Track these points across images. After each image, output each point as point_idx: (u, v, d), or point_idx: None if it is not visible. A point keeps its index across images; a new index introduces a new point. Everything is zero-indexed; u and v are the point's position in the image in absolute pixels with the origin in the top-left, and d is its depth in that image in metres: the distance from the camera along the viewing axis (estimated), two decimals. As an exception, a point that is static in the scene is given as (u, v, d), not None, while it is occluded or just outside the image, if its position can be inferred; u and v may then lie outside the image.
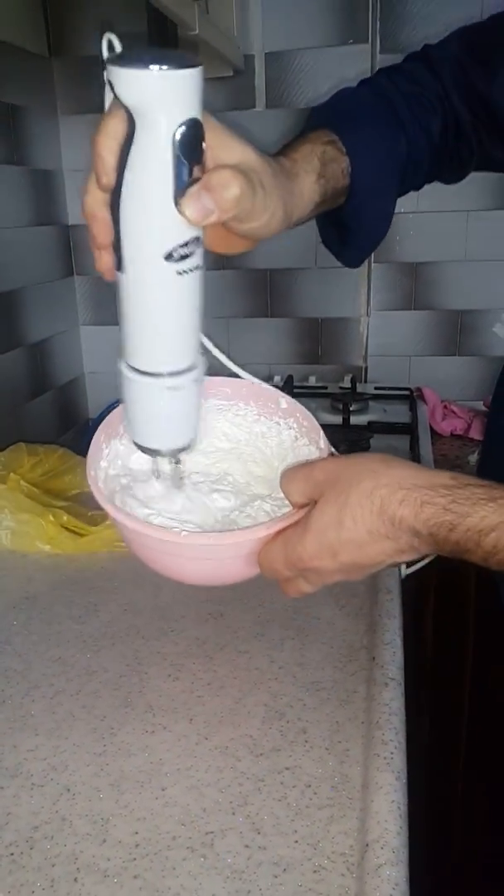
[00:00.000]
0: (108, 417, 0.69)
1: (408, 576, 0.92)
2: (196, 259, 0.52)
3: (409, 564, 0.58)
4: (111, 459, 0.69)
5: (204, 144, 0.49)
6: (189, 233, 0.50)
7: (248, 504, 0.68)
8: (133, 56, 0.45)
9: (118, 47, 0.47)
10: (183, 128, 0.47)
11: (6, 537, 1.03)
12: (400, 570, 0.67)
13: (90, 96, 1.64)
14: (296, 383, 1.75)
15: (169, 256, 0.50)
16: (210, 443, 0.74)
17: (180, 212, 0.49)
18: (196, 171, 0.49)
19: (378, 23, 1.58)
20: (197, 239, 0.51)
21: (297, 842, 0.56)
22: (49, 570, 0.99)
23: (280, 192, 0.58)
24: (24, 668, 0.78)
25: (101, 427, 0.68)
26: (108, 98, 0.48)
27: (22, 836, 0.58)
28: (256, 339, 1.82)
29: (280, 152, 0.65)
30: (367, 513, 0.54)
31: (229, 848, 0.56)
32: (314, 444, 0.68)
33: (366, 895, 0.51)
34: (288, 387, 1.70)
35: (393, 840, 0.55)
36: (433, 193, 1.67)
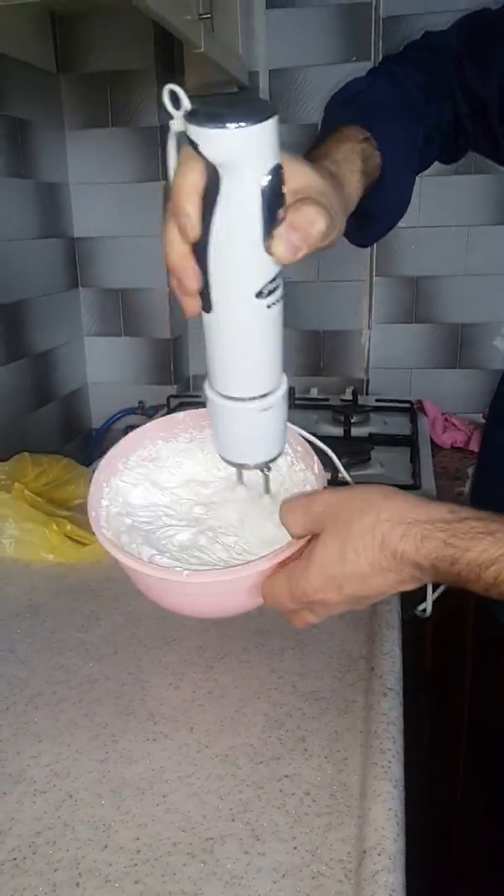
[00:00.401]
0: (105, 457, 0.71)
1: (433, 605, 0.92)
2: (281, 289, 0.54)
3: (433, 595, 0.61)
4: (112, 497, 0.71)
5: (284, 188, 0.50)
6: (276, 269, 0.52)
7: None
8: (211, 112, 0.46)
9: (185, 101, 0.47)
10: (269, 176, 0.48)
11: (10, 546, 1.04)
12: (427, 608, 0.70)
13: (96, 112, 1.67)
14: (298, 395, 1.76)
15: (259, 294, 0.52)
16: (211, 473, 0.75)
17: (270, 253, 0.50)
18: (279, 212, 0.50)
19: (381, 41, 1.60)
20: (280, 272, 0.53)
21: (295, 848, 0.57)
22: (52, 578, 1.00)
23: (341, 205, 0.59)
24: (27, 675, 0.79)
25: (99, 468, 0.71)
26: (173, 150, 0.49)
27: (25, 840, 0.59)
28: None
29: (318, 151, 0.66)
30: (368, 547, 0.55)
31: (229, 854, 0.56)
32: (309, 469, 0.70)
33: (363, 901, 0.52)
34: (290, 398, 1.71)
35: (390, 847, 0.56)
36: (434, 209, 1.69)
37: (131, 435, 0.75)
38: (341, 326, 1.80)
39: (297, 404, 1.73)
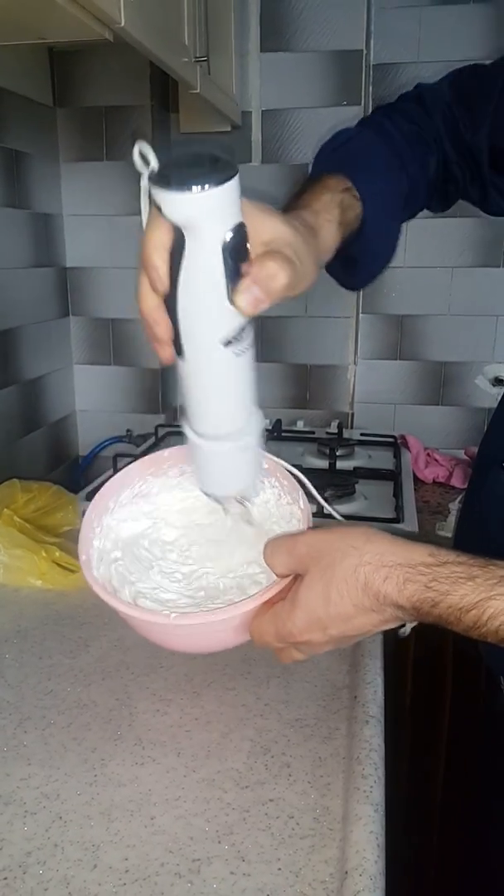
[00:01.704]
0: (95, 498, 0.73)
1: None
2: (250, 338, 0.56)
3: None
4: (103, 535, 0.73)
5: (247, 244, 0.53)
6: (243, 319, 0.55)
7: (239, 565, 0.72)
8: (175, 175, 0.48)
9: (153, 160, 0.49)
10: (230, 233, 0.51)
11: (-1, 572, 1.05)
12: (406, 628, 0.72)
13: (91, 145, 1.70)
14: (284, 427, 1.79)
15: (227, 343, 0.55)
16: (203, 505, 0.77)
17: (234, 305, 0.53)
18: (244, 266, 0.53)
19: (371, 87, 1.65)
20: (249, 321, 0.56)
21: (279, 869, 0.58)
22: (40, 605, 1.01)
23: (312, 255, 0.62)
24: (16, 700, 0.81)
25: (89, 508, 0.72)
26: (145, 204, 0.51)
27: (15, 861, 0.60)
28: (246, 383, 1.86)
29: (299, 201, 0.69)
30: (352, 588, 0.57)
31: (215, 874, 0.58)
32: (295, 504, 0.72)
33: (344, 922, 0.54)
34: (276, 430, 1.74)
35: (371, 868, 0.57)
36: (419, 250, 1.73)
37: (118, 475, 0.76)
38: (328, 361, 1.83)
39: (284, 436, 1.76)
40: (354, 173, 0.73)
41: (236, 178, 0.49)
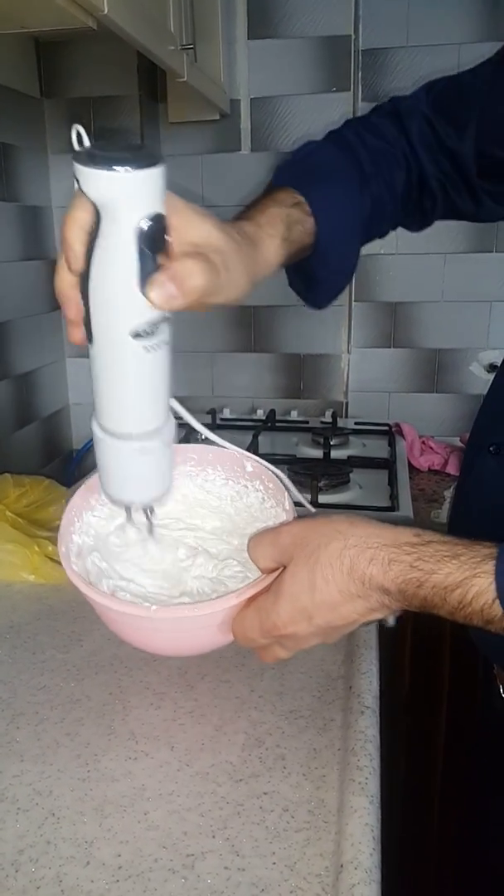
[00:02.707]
0: (79, 491, 0.72)
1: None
2: (163, 335, 0.54)
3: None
4: (83, 531, 0.72)
5: (167, 236, 0.52)
6: (156, 313, 0.53)
7: (222, 568, 0.71)
8: (98, 154, 0.48)
9: (86, 141, 0.49)
10: (147, 222, 0.50)
11: (-8, 567, 1.05)
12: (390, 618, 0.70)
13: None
14: (278, 417, 1.78)
15: (136, 335, 0.53)
16: (185, 510, 0.76)
17: (146, 297, 0.51)
18: (161, 259, 0.52)
19: (360, 72, 1.64)
20: (164, 318, 0.54)
21: (274, 863, 0.58)
22: (33, 599, 1.01)
23: (244, 264, 0.60)
24: (9, 696, 0.80)
25: (71, 503, 0.70)
26: (76, 183, 0.50)
27: (7, 859, 0.59)
28: (240, 373, 1.85)
29: (245, 213, 0.68)
30: (337, 573, 0.56)
31: (209, 869, 0.57)
32: (280, 506, 0.70)
33: (340, 915, 0.53)
34: (270, 421, 1.73)
35: (366, 861, 0.57)
36: (411, 236, 1.72)
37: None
38: (321, 350, 1.82)
39: (278, 426, 1.75)
40: (309, 187, 0.72)
41: (159, 168, 0.49)
